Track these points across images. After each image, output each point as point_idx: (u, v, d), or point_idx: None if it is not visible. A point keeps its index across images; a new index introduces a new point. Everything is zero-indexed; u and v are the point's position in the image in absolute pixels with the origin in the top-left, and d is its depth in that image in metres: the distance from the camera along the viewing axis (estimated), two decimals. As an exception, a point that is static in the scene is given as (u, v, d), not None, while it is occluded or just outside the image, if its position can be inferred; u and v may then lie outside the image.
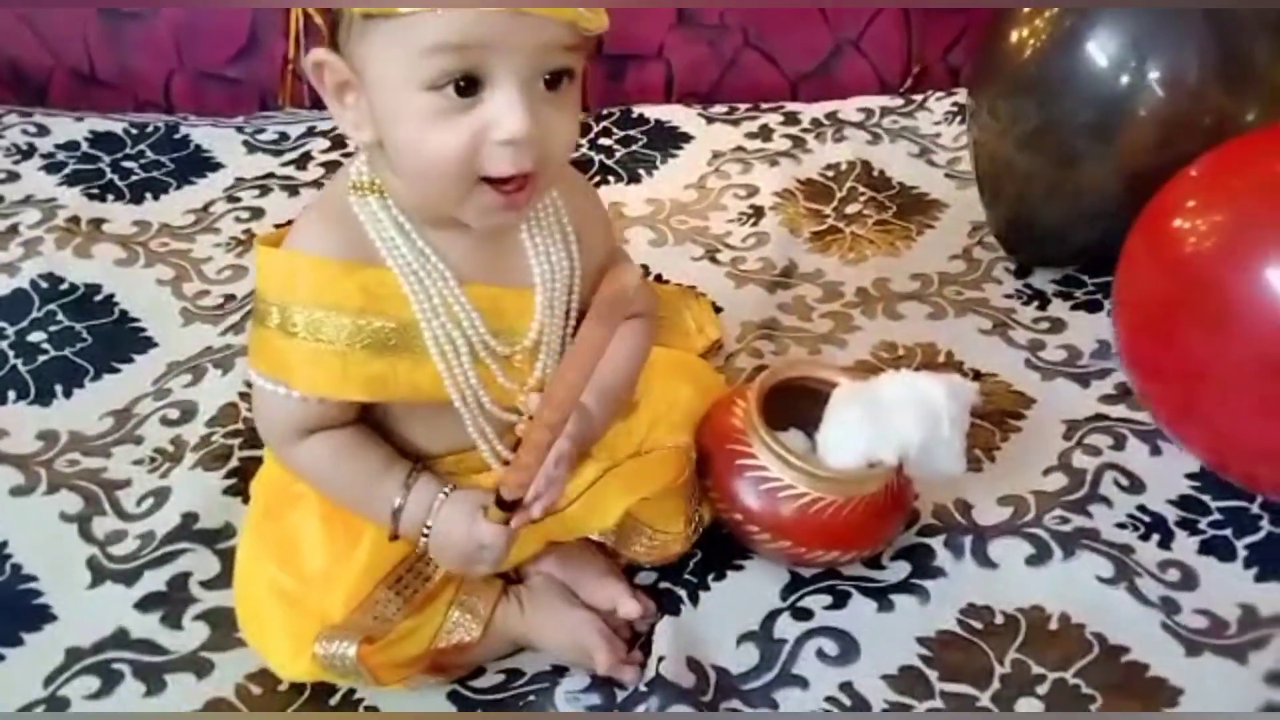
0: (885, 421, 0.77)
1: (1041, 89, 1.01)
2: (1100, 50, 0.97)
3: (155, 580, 0.79)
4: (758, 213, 1.21)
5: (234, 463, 0.88)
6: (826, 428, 0.79)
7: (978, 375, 0.99)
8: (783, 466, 0.77)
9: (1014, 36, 1.04)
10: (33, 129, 1.28)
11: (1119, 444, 0.91)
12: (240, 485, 0.86)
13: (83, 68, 1.36)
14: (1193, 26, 0.95)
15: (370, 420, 0.71)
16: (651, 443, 0.79)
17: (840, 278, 1.12)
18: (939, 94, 1.40)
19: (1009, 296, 1.09)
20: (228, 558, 0.80)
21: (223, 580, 0.79)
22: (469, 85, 0.59)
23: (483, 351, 0.69)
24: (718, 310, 1.06)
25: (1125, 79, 0.96)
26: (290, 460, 0.71)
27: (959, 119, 1.35)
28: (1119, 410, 0.95)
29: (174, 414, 0.93)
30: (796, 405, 0.82)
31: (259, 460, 0.85)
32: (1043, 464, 0.90)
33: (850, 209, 1.22)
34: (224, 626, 0.76)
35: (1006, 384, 0.98)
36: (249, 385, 0.92)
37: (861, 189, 1.24)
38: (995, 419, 0.94)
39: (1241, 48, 0.96)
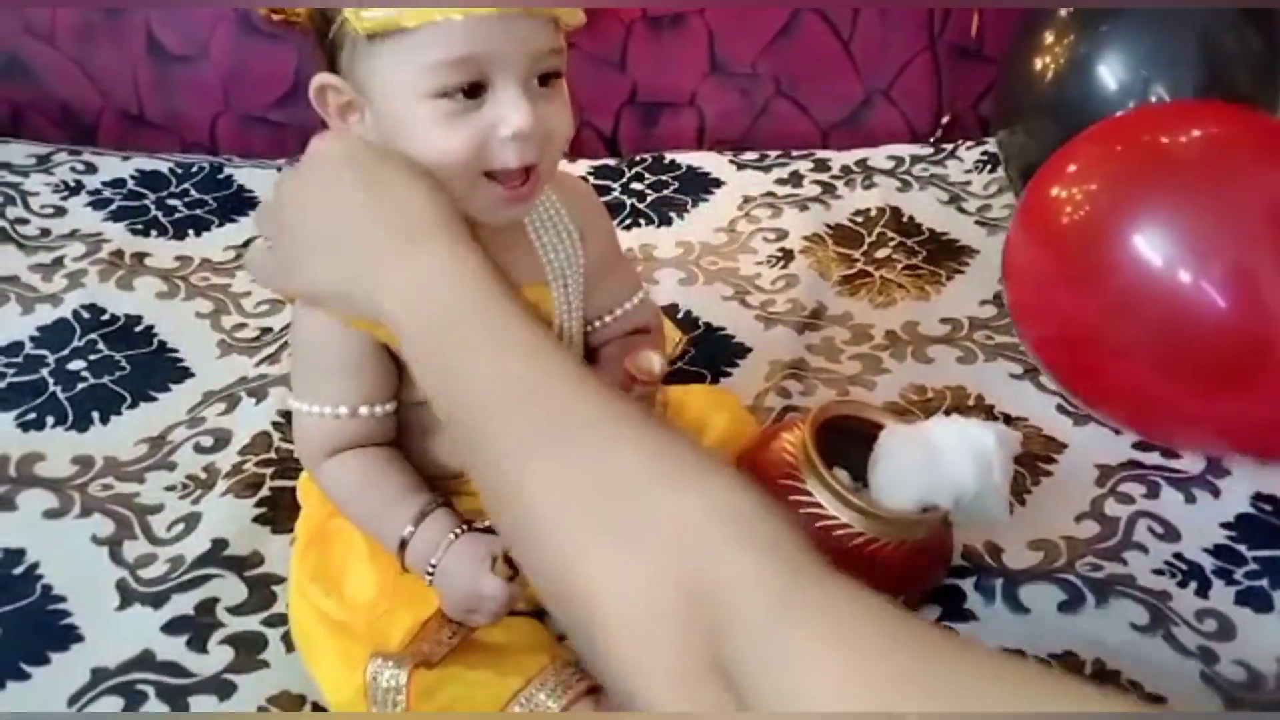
0: (940, 466, 0.77)
1: (1061, 112, 1.10)
2: (1109, 74, 1.13)
3: (183, 604, 0.79)
4: (787, 256, 1.22)
5: (265, 491, 0.89)
6: (880, 468, 0.79)
7: (1009, 419, 0.98)
8: (839, 504, 0.77)
9: (1037, 65, 1.14)
10: (81, 167, 1.32)
11: (1152, 492, 0.90)
12: (270, 514, 0.86)
13: (132, 109, 1.40)
14: (1188, 55, 1.11)
15: (401, 441, 0.72)
16: None
17: (869, 320, 1.12)
18: (969, 143, 1.41)
19: (1040, 342, 1.08)
20: (255, 584, 0.81)
21: (249, 606, 0.79)
22: (474, 89, 0.62)
23: None
24: (745, 351, 1.07)
25: (1131, 104, 1.10)
26: (321, 478, 0.72)
27: (989, 167, 1.36)
28: (1152, 458, 0.94)
29: (207, 441, 0.95)
30: (839, 443, 0.82)
31: (290, 490, 0.86)
32: (1074, 510, 0.89)
33: (880, 254, 1.22)
34: (248, 650, 0.76)
35: (1037, 428, 0.98)
36: (283, 416, 0.94)
37: (891, 234, 1.25)
38: (1026, 463, 0.93)
39: (1226, 73, 1.11)
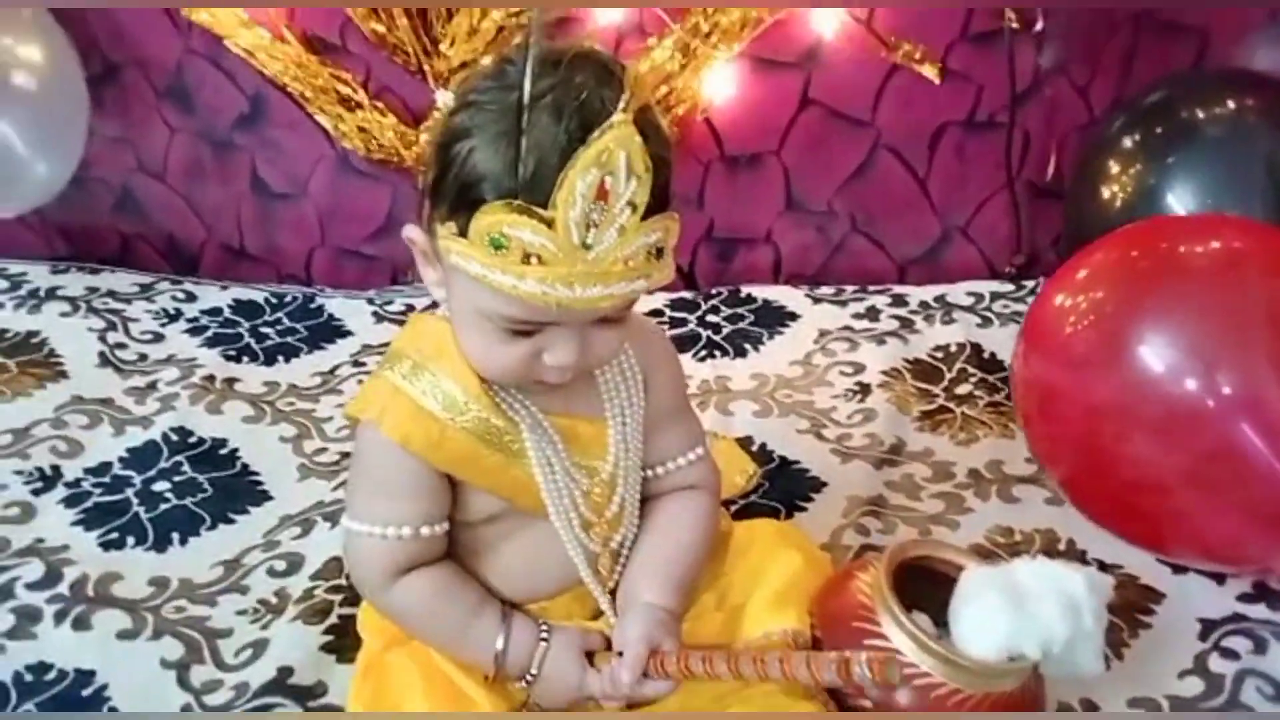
0: (1027, 611, 0.73)
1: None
2: (1178, 203, 1.13)
3: (245, 733, 0.78)
4: (864, 390, 1.20)
5: (333, 618, 0.88)
6: (962, 613, 0.75)
7: (1103, 566, 0.94)
8: (919, 650, 0.73)
9: (1104, 194, 1.16)
10: (182, 295, 1.38)
11: (1260, 648, 0.85)
12: (337, 642, 0.86)
13: (233, 242, 1.47)
14: (1257, 182, 1.12)
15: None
16: (755, 612, 0.77)
17: (951, 458, 1.09)
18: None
19: (1133, 484, 1.04)
20: (318, 714, 0.79)
21: (310, 737, 0.78)
22: (530, 331, 0.66)
23: (565, 476, 0.72)
24: (821, 485, 1.05)
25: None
26: (387, 604, 0.72)
27: (1073, 304, 1.34)
28: (1259, 610, 0.88)
29: (280, 565, 0.95)
30: (917, 586, 0.79)
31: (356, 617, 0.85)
32: (1177, 665, 0.84)
33: (960, 389, 1.20)
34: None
35: (1134, 577, 0.93)
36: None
37: (972, 370, 1.23)
38: (1123, 614, 0.89)
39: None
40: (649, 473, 0.78)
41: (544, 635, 0.69)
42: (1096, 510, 0.95)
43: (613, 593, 0.76)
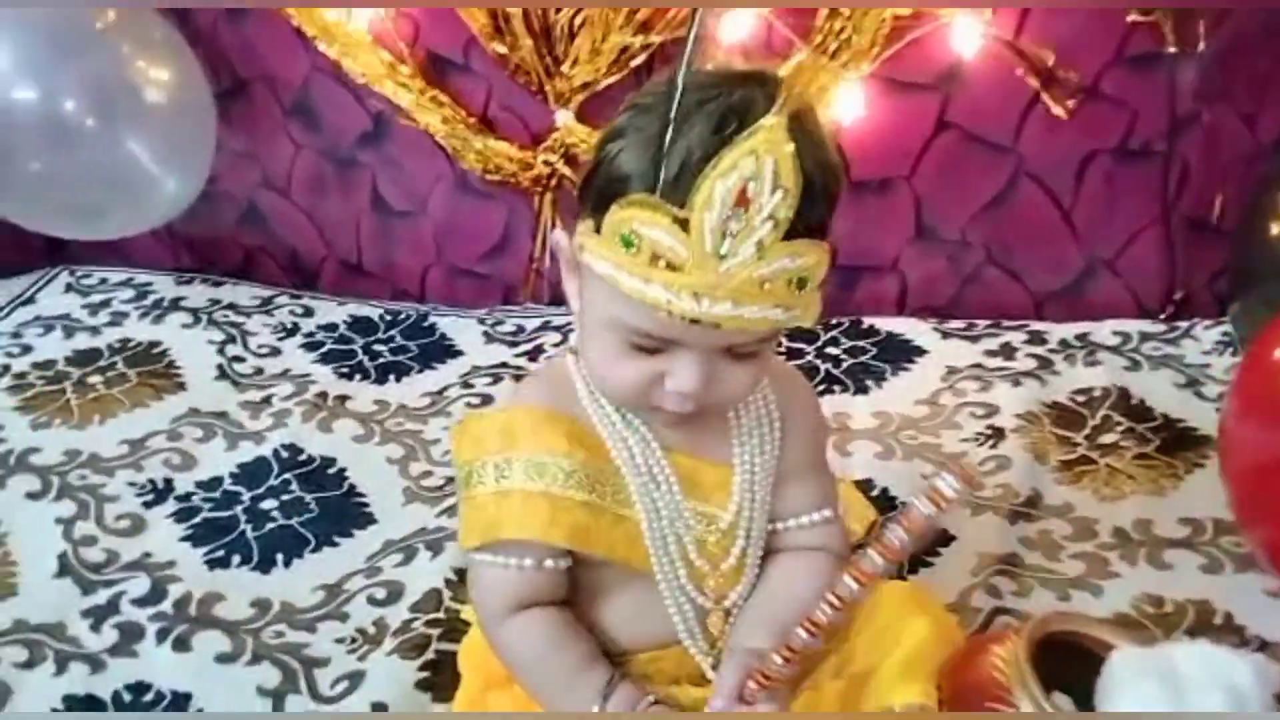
0: (1185, 702, 0.66)
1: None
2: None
3: (337, 771, 0.76)
4: (997, 434, 1.12)
5: (430, 654, 0.86)
6: (1111, 698, 0.68)
7: (1264, 645, 0.84)
8: None
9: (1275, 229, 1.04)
10: (300, 310, 1.39)
11: None
12: (433, 678, 0.83)
13: (351, 258, 1.48)
14: None
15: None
16: (879, 683, 0.71)
17: (1094, 514, 1.01)
18: (1207, 323, 1.28)
19: (1302, 554, 0.94)
20: (409, 756, 0.77)
21: (401, 780, 0.75)
22: (656, 349, 0.63)
23: (678, 518, 0.68)
24: (949, 539, 0.97)
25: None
26: (501, 637, 0.70)
27: (1230, 350, 1.23)
28: None
29: (381, 594, 0.93)
30: (1059, 662, 0.71)
31: (454, 655, 0.82)
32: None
33: (1105, 439, 1.11)
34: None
35: (1304, 660, 0.83)
36: (456, 573, 0.92)
37: (1119, 418, 1.13)
38: (1291, 703, 0.79)
39: None
40: (776, 525, 0.73)
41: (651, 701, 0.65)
42: None
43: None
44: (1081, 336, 1.27)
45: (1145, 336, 1.27)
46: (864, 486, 1.04)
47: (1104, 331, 1.28)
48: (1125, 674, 0.69)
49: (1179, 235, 1.30)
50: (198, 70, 1.32)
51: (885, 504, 1.02)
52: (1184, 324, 1.28)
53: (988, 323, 1.31)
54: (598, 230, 0.61)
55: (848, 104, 1.26)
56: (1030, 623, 0.72)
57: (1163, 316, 1.30)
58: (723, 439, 0.70)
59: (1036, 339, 1.28)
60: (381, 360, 1.30)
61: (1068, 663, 0.72)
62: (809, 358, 1.26)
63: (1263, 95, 1.24)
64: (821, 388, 1.21)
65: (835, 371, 1.24)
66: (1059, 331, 1.28)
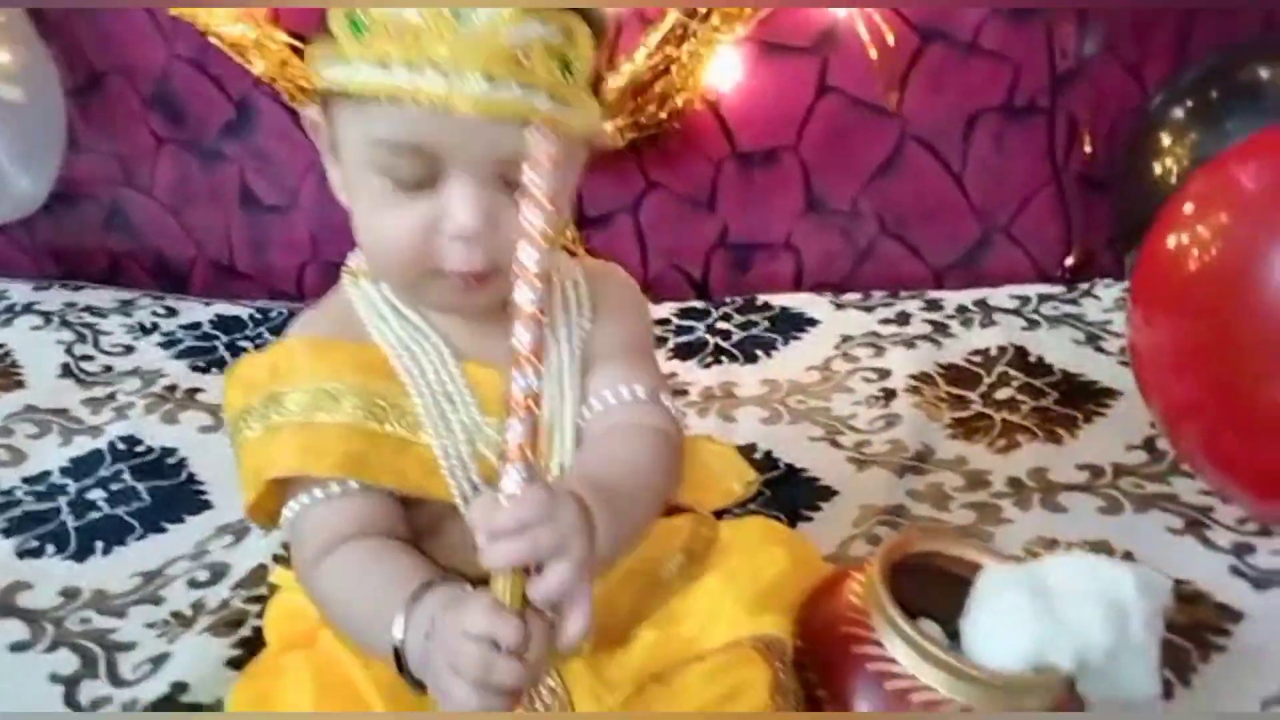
0: (1058, 615, 0.59)
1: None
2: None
3: (122, 757, 0.67)
4: (889, 395, 1.06)
5: (245, 630, 0.77)
6: (977, 616, 0.61)
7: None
8: (919, 660, 0.59)
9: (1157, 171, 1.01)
10: (162, 311, 1.30)
11: (1369, 674, 0.67)
12: (245, 655, 0.74)
13: (223, 259, 1.40)
14: None
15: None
16: (727, 621, 0.62)
17: (987, 466, 0.95)
18: (1108, 281, 1.24)
19: (1206, 493, 0.88)
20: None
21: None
22: (425, 180, 0.56)
23: (478, 438, 0.60)
24: (831, 494, 0.91)
25: None
26: (316, 584, 0.60)
27: (1133, 306, 1.18)
28: (1366, 630, 0.71)
29: (203, 576, 0.84)
30: (926, 591, 0.64)
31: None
32: (1259, 693, 0.68)
33: (1000, 394, 1.05)
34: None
35: (1206, 594, 0.77)
36: (284, 546, 0.83)
37: (1014, 373, 1.08)
38: (1192, 634, 0.73)
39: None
40: (587, 411, 0.63)
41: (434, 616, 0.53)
42: (1237, 467, 0.80)
43: None
44: (979, 302, 1.23)
45: (1045, 298, 1.22)
46: (746, 451, 0.97)
47: (1001, 296, 1.23)
48: (992, 589, 0.62)
49: (1073, 195, 1.26)
50: (45, 59, 1.25)
51: (769, 466, 0.96)
52: (1085, 284, 1.24)
53: (884, 293, 1.26)
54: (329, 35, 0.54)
55: (725, 69, 1.22)
56: (887, 543, 0.65)
57: (1060, 276, 1.26)
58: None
59: (933, 306, 1.23)
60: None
61: (937, 589, 0.65)
62: (699, 333, 1.20)
63: (1148, 45, 1.22)
64: (709, 360, 1.15)
65: (725, 344, 1.18)
66: (956, 298, 1.24)
